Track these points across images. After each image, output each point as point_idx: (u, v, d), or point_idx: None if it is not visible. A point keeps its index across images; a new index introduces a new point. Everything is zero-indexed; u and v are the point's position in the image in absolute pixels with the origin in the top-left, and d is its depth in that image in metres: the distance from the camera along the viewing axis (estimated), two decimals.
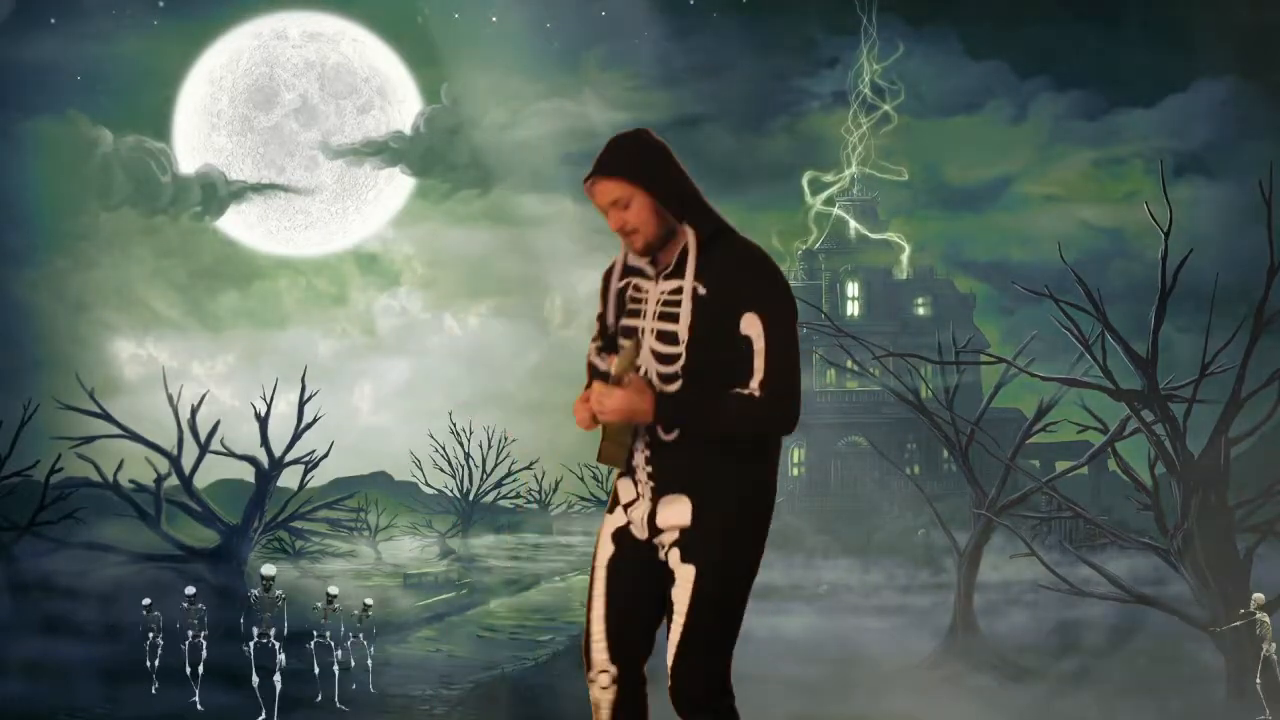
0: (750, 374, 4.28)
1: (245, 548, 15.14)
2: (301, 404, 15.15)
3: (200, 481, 15.13)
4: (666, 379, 4.30)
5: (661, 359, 4.31)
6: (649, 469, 4.37)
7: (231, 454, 15.10)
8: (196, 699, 12.83)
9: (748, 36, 15.10)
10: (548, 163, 15.37)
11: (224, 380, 15.61)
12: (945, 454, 15.44)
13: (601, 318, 4.55)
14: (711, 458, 4.35)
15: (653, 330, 4.34)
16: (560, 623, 15.48)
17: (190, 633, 12.78)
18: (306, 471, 15.31)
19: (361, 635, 13.43)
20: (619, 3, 14.97)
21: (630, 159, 4.40)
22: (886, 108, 15.56)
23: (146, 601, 13.10)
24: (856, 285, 17.21)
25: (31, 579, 14.29)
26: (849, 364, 14.96)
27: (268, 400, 15.06)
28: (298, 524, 15.58)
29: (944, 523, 14.25)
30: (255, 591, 12.60)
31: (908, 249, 16.64)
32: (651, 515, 4.39)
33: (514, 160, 15.53)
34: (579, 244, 14.99)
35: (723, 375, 4.27)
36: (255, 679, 12.43)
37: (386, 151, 15.77)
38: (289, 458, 15.18)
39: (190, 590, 13.00)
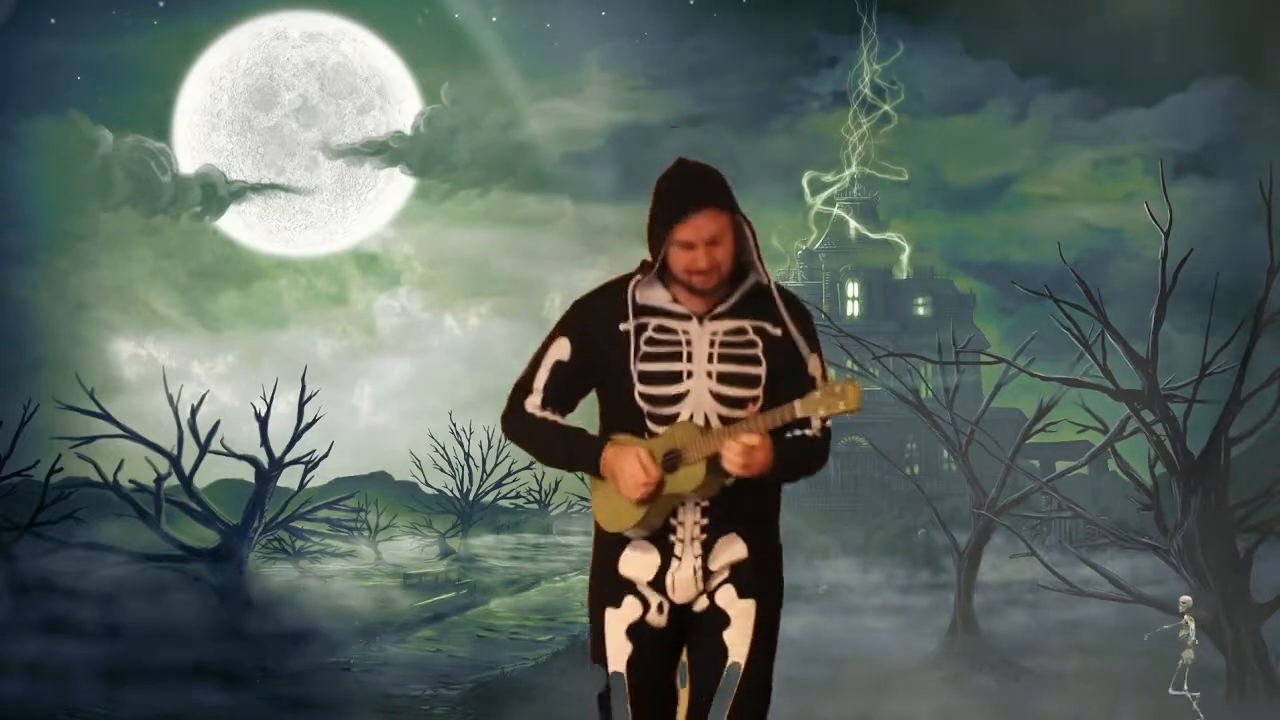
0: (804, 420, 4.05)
1: (245, 548, 15.14)
2: (301, 404, 15.15)
3: (200, 481, 15.13)
4: (730, 424, 4.02)
5: (729, 402, 4.05)
6: (704, 521, 4.06)
7: (231, 454, 15.10)
8: None
9: (748, 36, 15.09)
10: (548, 163, 15.37)
11: (224, 380, 15.60)
12: (945, 454, 15.43)
13: (560, 367, 4.16)
14: (758, 496, 4.13)
15: (714, 373, 4.06)
16: (560, 623, 15.47)
17: None
18: (306, 471, 15.31)
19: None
20: (619, 3, 14.97)
21: (730, 194, 4.11)
22: (886, 108, 15.56)
23: None
24: (856, 285, 17.21)
25: (31, 579, 14.28)
26: (849, 364, 14.95)
27: (268, 400, 15.06)
28: (298, 524, 15.57)
29: (944, 523, 14.25)
30: None
31: (908, 249, 16.64)
32: (704, 565, 4.10)
33: (514, 160, 15.53)
34: (579, 244, 14.99)
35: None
36: None
37: (386, 151, 15.77)
38: (289, 458, 15.18)
39: None
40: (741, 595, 4.10)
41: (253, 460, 15.15)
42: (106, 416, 14.64)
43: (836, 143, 15.85)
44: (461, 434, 16.23)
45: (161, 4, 15.13)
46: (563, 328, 4.21)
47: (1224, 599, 12.52)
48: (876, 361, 15.18)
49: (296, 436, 15.19)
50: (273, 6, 15.54)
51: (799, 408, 3.96)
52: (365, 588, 15.42)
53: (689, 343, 4.09)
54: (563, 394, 4.18)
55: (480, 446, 16.42)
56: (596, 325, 4.14)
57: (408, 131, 15.77)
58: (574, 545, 16.44)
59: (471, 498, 16.66)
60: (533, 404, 4.18)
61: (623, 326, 4.11)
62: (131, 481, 14.83)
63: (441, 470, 16.49)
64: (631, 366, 4.08)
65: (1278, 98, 13.83)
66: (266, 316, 15.82)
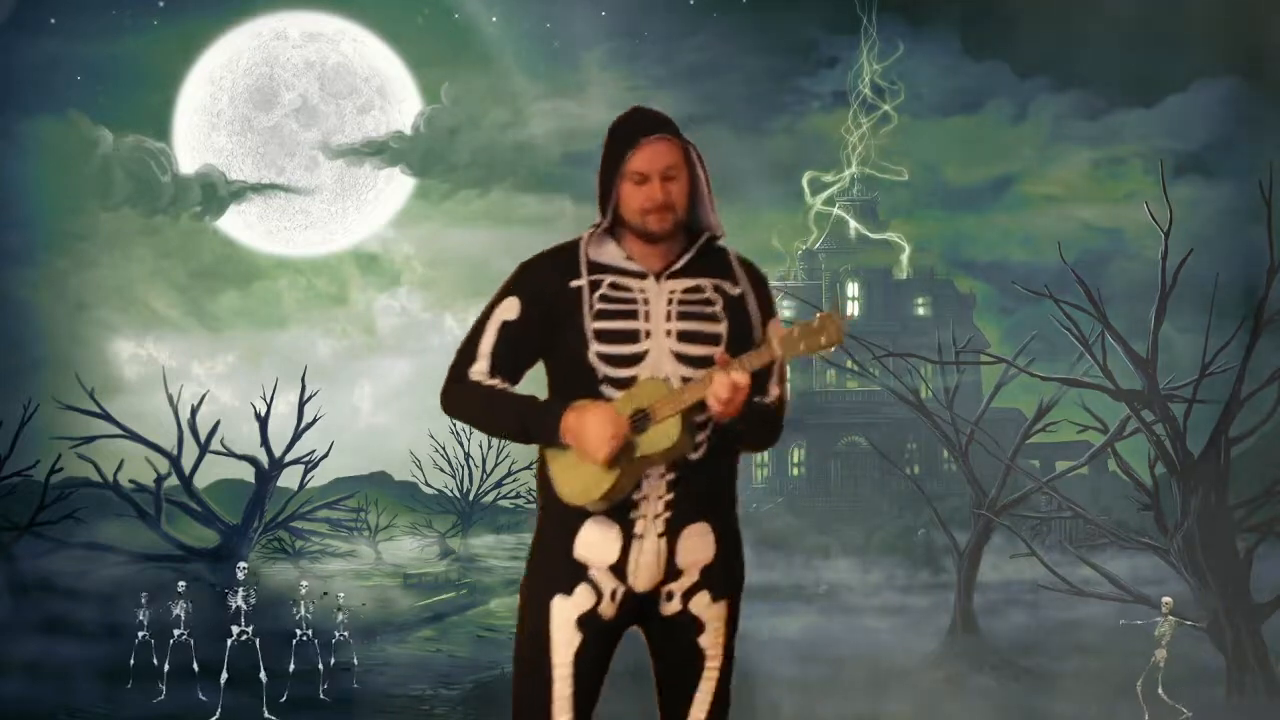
0: (765, 380, 3.94)
1: (245, 548, 15.14)
2: (301, 404, 15.15)
3: (200, 481, 15.14)
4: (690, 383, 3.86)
5: (691, 362, 3.89)
6: (669, 496, 3.90)
7: (231, 454, 15.10)
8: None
9: (748, 36, 15.09)
10: (548, 163, 15.37)
11: (224, 380, 15.60)
12: (945, 454, 15.43)
13: (509, 327, 3.97)
14: (722, 478, 3.99)
15: (674, 332, 3.91)
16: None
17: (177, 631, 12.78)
18: (306, 471, 15.31)
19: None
20: (619, 3, 14.97)
21: (679, 128, 4.02)
22: (886, 108, 15.56)
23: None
24: (856, 285, 17.21)
25: (31, 579, 14.28)
26: (849, 364, 14.96)
27: (268, 400, 15.06)
28: (298, 524, 15.57)
29: (944, 523, 14.25)
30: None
31: (908, 249, 16.63)
32: (670, 555, 3.93)
33: (514, 160, 15.54)
34: None
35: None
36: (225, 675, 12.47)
37: (386, 151, 15.77)
38: (289, 458, 15.19)
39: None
40: (716, 599, 4.00)
41: (253, 460, 15.15)
42: (106, 416, 14.64)
43: (836, 143, 15.85)
44: (461, 434, 16.24)
45: (161, 4, 15.13)
46: (510, 287, 4.03)
47: (1224, 599, 12.52)
48: (876, 361, 15.17)
49: (296, 436, 15.19)
50: (273, 6, 15.54)
51: (777, 346, 3.76)
52: (365, 588, 15.42)
53: (646, 301, 3.92)
54: (511, 359, 3.98)
55: (480, 446, 16.43)
56: (546, 283, 3.96)
57: (408, 131, 15.77)
58: None
59: (471, 498, 16.66)
60: (478, 371, 3.97)
61: (574, 283, 3.92)
62: (131, 481, 14.83)
63: (441, 470, 16.49)
64: (586, 325, 3.90)
65: (1278, 98, 13.82)
66: (266, 316, 15.81)
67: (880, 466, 16.16)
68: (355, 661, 13.61)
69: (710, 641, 4.00)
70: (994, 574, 14.08)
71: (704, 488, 3.93)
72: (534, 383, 4.15)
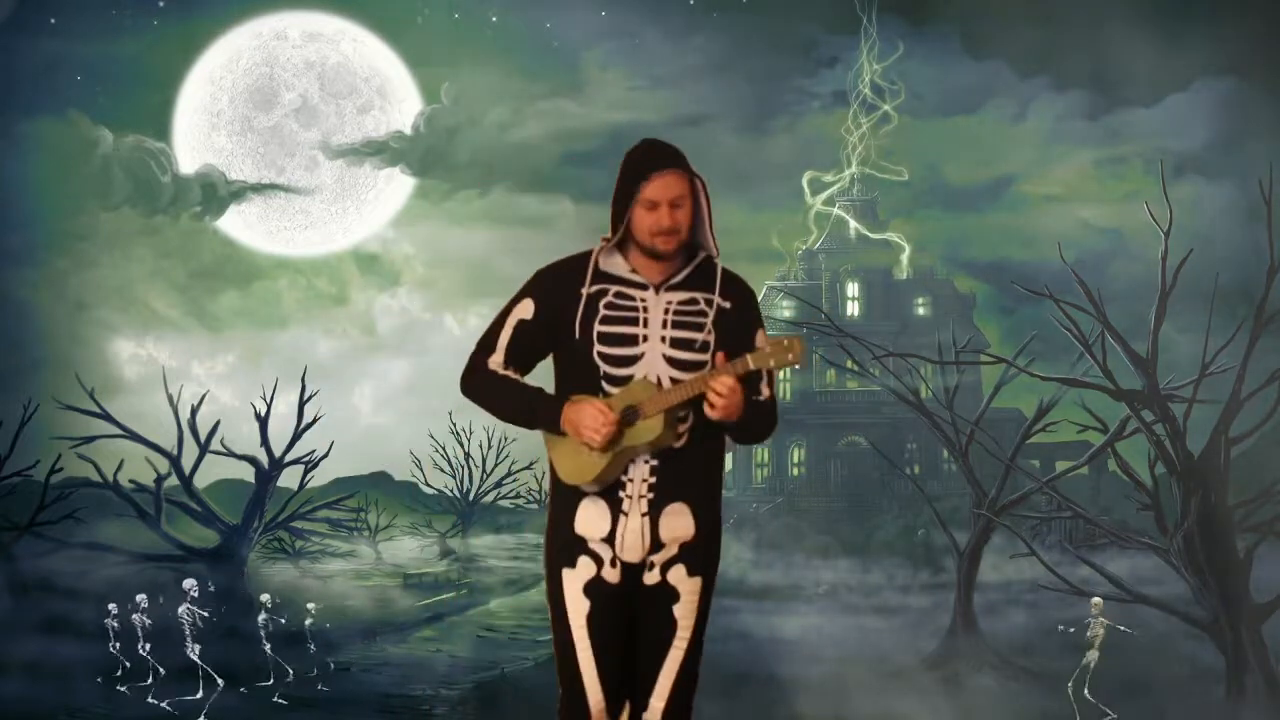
0: (757, 383, 4.43)
1: (245, 548, 15.14)
2: (301, 404, 15.15)
3: (200, 481, 15.13)
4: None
5: (680, 366, 4.39)
6: (652, 480, 4.39)
7: (231, 454, 15.10)
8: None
9: (748, 36, 15.09)
10: (548, 163, 15.37)
11: (224, 380, 15.60)
12: (945, 454, 15.43)
13: (523, 325, 4.53)
14: (706, 465, 4.47)
15: (667, 339, 4.41)
16: None
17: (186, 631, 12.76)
18: (306, 471, 15.31)
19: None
20: (619, 3, 14.97)
21: (690, 166, 4.51)
22: (886, 108, 15.56)
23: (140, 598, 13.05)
24: (856, 285, 17.21)
25: (31, 579, 14.28)
26: (849, 364, 14.95)
27: (268, 400, 15.06)
28: (298, 524, 15.57)
29: (944, 523, 14.25)
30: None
31: (908, 249, 16.63)
32: (653, 530, 4.41)
33: (514, 160, 15.53)
34: (579, 244, 14.94)
35: None
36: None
37: (386, 151, 15.76)
38: (289, 458, 15.18)
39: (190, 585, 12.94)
40: (691, 574, 4.44)
41: (253, 460, 15.15)
42: (106, 416, 14.64)
43: (836, 143, 15.85)
44: (461, 434, 16.23)
45: (161, 4, 15.13)
46: (527, 290, 4.58)
47: (1224, 599, 12.51)
48: (876, 361, 15.17)
49: (296, 436, 15.18)
50: (273, 6, 15.53)
51: (751, 361, 4.27)
52: (365, 587, 15.41)
53: (645, 309, 4.43)
54: (524, 353, 4.55)
55: (480, 446, 16.42)
56: (559, 289, 4.51)
57: (408, 131, 15.77)
58: None
59: (471, 498, 16.65)
60: (495, 361, 4.55)
61: (584, 291, 4.46)
62: (131, 481, 14.82)
63: (441, 470, 16.49)
64: (592, 328, 4.43)
65: (1278, 98, 13.82)
66: (266, 316, 15.81)
67: (880, 466, 16.16)
68: (324, 663, 13.57)
69: (683, 613, 4.44)
70: (994, 574, 14.07)
71: (684, 473, 4.43)
72: (543, 373, 4.69)
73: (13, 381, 14.45)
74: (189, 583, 12.81)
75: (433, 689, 13.96)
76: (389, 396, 16.13)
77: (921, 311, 17.08)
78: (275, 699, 13.06)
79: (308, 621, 13.82)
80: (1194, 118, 14.39)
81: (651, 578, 4.44)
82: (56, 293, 15.19)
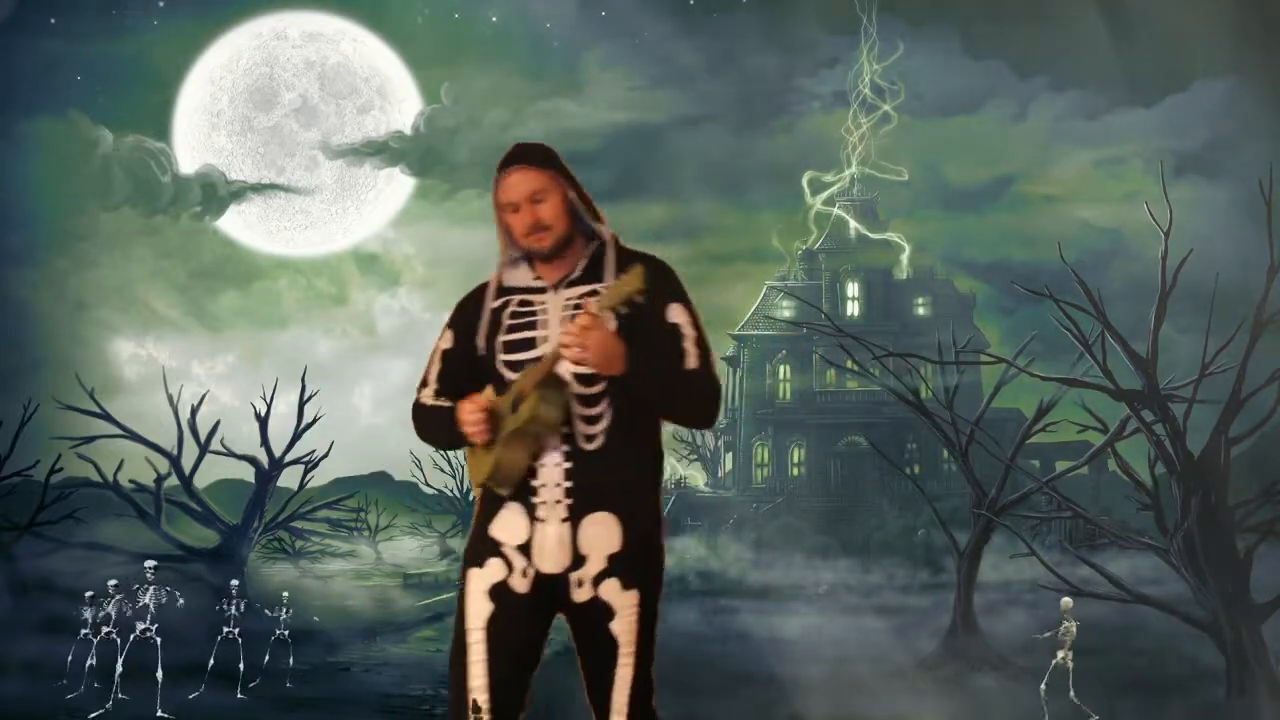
0: (680, 358, 4.22)
1: (245, 548, 15.14)
2: (301, 404, 15.15)
3: (200, 481, 15.14)
4: (588, 381, 4.21)
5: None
6: (567, 484, 4.18)
7: (231, 454, 15.10)
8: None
9: (748, 36, 15.09)
10: None
11: (224, 380, 15.61)
12: (945, 454, 15.43)
13: (447, 355, 4.46)
14: (630, 470, 4.23)
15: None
16: (559, 622, 15.46)
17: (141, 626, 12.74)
18: (306, 471, 15.31)
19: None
20: (619, 3, 14.97)
21: (547, 155, 4.41)
22: (886, 108, 15.56)
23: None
24: (856, 285, 17.21)
25: (31, 579, 14.28)
26: (849, 364, 14.95)
27: (268, 400, 15.06)
28: (298, 524, 15.58)
29: (944, 523, 14.24)
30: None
31: (908, 249, 16.64)
32: (573, 540, 4.20)
33: None
34: None
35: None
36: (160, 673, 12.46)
37: (386, 151, 15.77)
38: (289, 458, 15.19)
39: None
40: (626, 587, 4.20)
41: (253, 460, 15.15)
42: (106, 416, 14.64)
43: (836, 143, 15.86)
44: None
45: (161, 4, 15.14)
46: (449, 321, 4.55)
47: (1224, 599, 12.51)
48: (876, 361, 15.17)
49: (296, 436, 15.18)
50: (273, 6, 15.55)
51: (594, 306, 4.12)
52: (365, 588, 15.42)
53: (544, 311, 4.34)
54: (453, 382, 4.44)
55: None
56: (471, 312, 4.46)
57: (408, 131, 15.78)
58: None
59: (471, 498, 16.62)
60: (427, 394, 4.50)
61: (488, 307, 4.42)
62: (131, 481, 14.83)
63: (441, 470, 16.51)
64: (495, 341, 4.36)
65: (1278, 98, 13.82)
66: (266, 316, 15.82)
67: (880, 466, 16.17)
68: (291, 662, 13.56)
69: (622, 629, 4.21)
70: (994, 574, 14.07)
71: (605, 478, 4.20)
72: None
73: (13, 381, 14.45)
74: (149, 563, 12.75)
75: (433, 689, 13.96)
76: (389, 396, 16.13)
77: (921, 311, 17.09)
78: (276, 699, 13.07)
79: (282, 616, 13.77)
80: (1194, 118, 14.39)
81: (581, 594, 4.22)
82: (56, 293, 15.19)
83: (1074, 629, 12.19)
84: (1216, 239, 13.38)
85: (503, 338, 4.35)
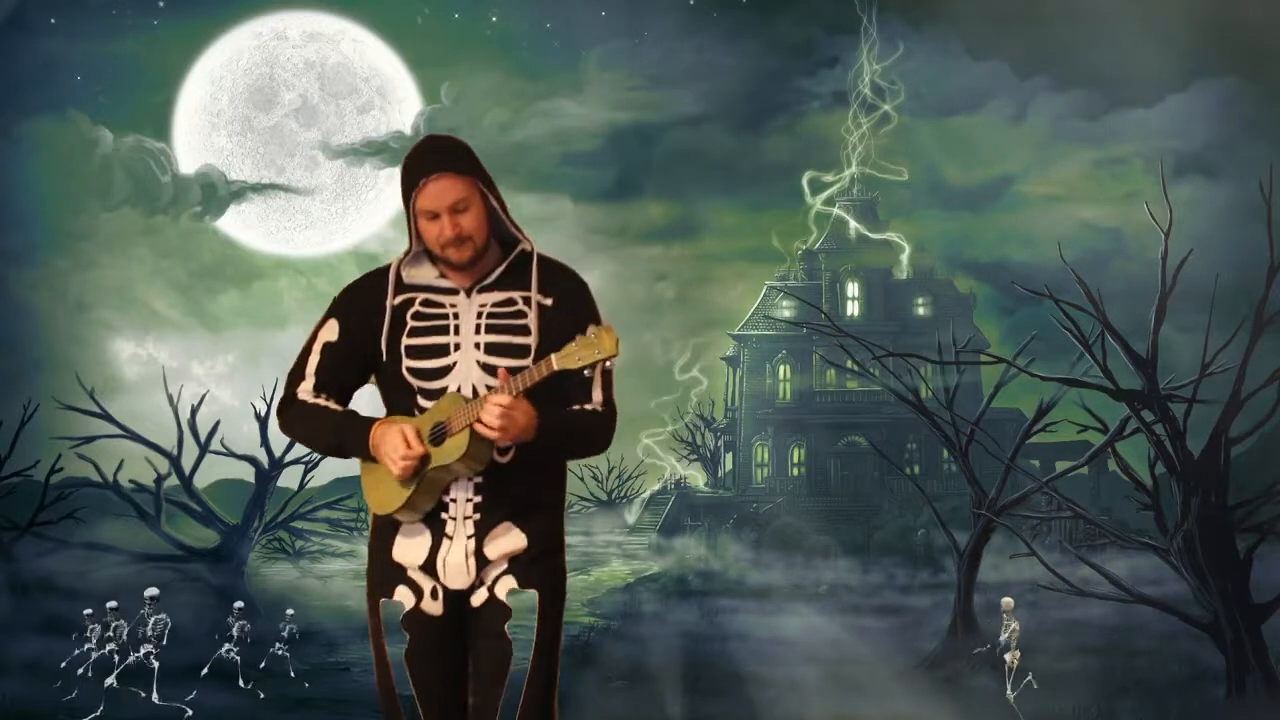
0: (588, 388, 4.02)
1: (245, 548, 15.14)
2: None
3: (200, 481, 15.14)
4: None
5: (496, 372, 3.94)
6: (476, 499, 3.99)
7: (231, 454, 15.10)
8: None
9: (748, 36, 15.09)
10: (548, 163, 15.38)
11: (224, 380, 15.60)
12: (945, 454, 15.43)
13: (330, 348, 4.11)
14: (540, 478, 4.04)
15: (481, 344, 4.01)
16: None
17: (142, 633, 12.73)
18: (306, 471, 15.31)
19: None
20: (619, 3, 14.97)
21: (469, 160, 4.13)
22: (886, 108, 15.56)
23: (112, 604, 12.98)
24: (856, 285, 17.21)
25: (31, 579, 14.28)
26: (849, 364, 14.95)
27: (268, 400, 15.05)
28: (298, 524, 15.57)
29: (944, 523, 14.24)
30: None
31: (908, 249, 16.64)
32: (479, 551, 4.00)
33: (514, 160, 15.53)
34: (579, 244, 14.99)
35: (556, 391, 3.96)
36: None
37: (386, 151, 15.77)
38: (289, 458, 15.18)
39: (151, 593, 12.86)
40: (524, 585, 4.03)
41: (253, 460, 15.15)
42: (106, 416, 14.64)
43: (836, 143, 15.86)
44: None
45: (161, 4, 15.14)
46: (331, 310, 4.18)
47: (1224, 599, 12.51)
48: (876, 361, 15.17)
49: None
50: (273, 6, 15.54)
51: (555, 361, 3.82)
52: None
53: (456, 315, 4.04)
54: (336, 378, 4.12)
55: None
56: (363, 304, 4.10)
57: (408, 131, 15.77)
58: (572, 545, 16.41)
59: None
60: (305, 390, 4.13)
61: (388, 304, 4.06)
62: (131, 481, 14.83)
63: None
64: (400, 342, 4.04)
65: (1278, 98, 13.82)
66: (266, 316, 15.81)
67: (880, 466, 16.17)
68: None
69: (517, 628, 4.03)
70: (994, 574, 14.07)
71: (514, 491, 4.02)
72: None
73: (13, 381, 14.45)
74: (149, 592, 12.74)
75: None
76: None
77: (921, 311, 17.09)
78: (276, 698, 13.07)
79: (285, 628, 13.76)
80: (1194, 118, 14.39)
81: (479, 597, 4.04)
82: (56, 293, 15.20)
83: (1018, 629, 12.21)
84: (1216, 239, 13.38)
85: (407, 340, 4.04)
